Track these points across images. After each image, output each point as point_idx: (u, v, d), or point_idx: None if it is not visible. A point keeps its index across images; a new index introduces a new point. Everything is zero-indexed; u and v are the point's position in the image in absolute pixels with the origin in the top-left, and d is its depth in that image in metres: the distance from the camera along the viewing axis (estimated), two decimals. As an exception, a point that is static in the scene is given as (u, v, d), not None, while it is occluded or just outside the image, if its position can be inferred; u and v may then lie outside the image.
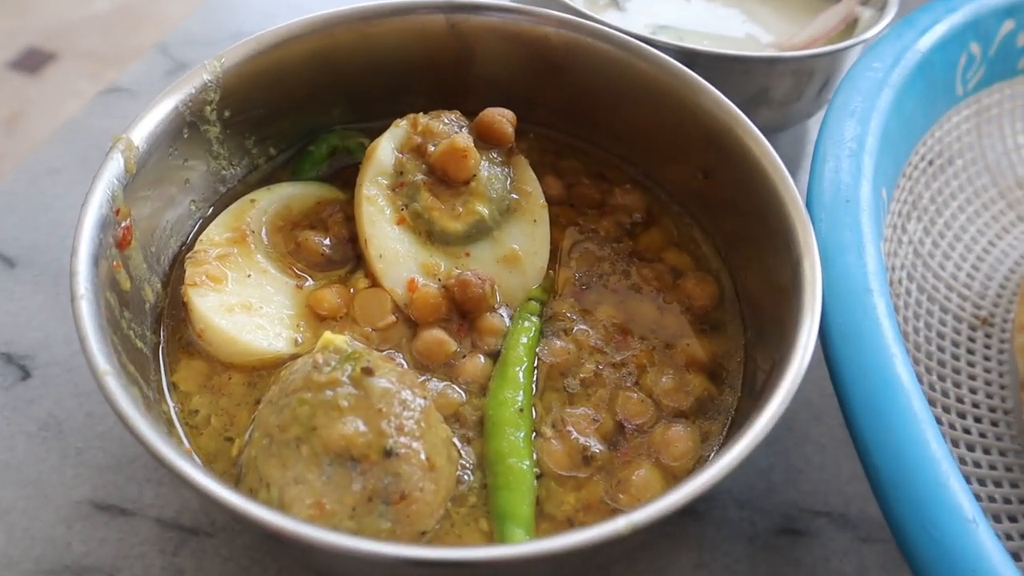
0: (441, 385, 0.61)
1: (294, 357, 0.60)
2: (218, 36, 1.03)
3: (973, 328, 0.78)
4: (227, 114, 0.67)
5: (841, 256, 0.57)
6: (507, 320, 0.65)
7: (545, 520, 0.56)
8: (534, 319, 0.65)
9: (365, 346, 0.60)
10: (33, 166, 0.85)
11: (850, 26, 0.93)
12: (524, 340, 0.63)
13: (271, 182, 0.72)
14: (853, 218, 0.59)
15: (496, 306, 0.65)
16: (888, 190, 0.71)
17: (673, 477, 0.58)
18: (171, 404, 0.60)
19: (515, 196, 0.69)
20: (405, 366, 0.62)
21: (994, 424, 0.72)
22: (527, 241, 0.68)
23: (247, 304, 0.62)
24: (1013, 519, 0.65)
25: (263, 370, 0.61)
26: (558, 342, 0.64)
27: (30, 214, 0.81)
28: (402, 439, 0.51)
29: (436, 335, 0.63)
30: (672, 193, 0.74)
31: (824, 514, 0.66)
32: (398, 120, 0.69)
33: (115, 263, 0.56)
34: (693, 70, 0.68)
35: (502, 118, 0.69)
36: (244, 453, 0.54)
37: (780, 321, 0.56)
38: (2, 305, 0.74)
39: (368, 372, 0.52)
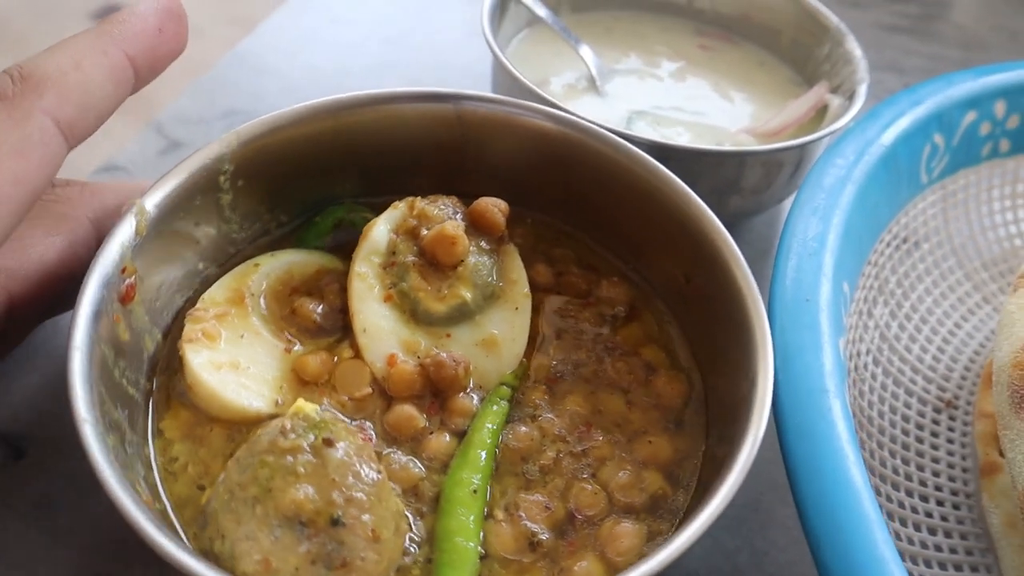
0: (405, 459, 0.64)
1: (272, 417, 0.63)
2: (211, 115, 1.07)
3: (937, 411, 0.81)
4: (240, 183, 0.71)
5: (800, 356, 0.59)
6: (477, 402, 0.68)
7: None
8: (503, 403, 0.67)
9: (336, 415, 0.64)
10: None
11: (820, 112, 0.97)
12: (490, 424, 0.66)
13: (280, 246, 0.76)
14: (812, 317, 0.62)
15: (468, 388, 0.68)
16: (851, 282, 0.74)
17: (615, 571, 0.59)
18: (151, 450, 0.63)
19: (500, 284, 0.72)
20: (374, 437, 0.65)
21: (955, 507, 0.74)
22: (507, 328, 0.71)
23: (235, 363, 0.66)
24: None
25: (243, 425, 0.64)
26: (523, 428, 0.67)
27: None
28: (351, 510, 0.54)
29: (407, 411, 0.66)
30: (657, 288, 0.77)
31: (789, 598, 0.68)
32: (396, 202, 0.73)
33: (115, 316, 0.61)
34: (668, 162, 0.71)
35: (495, 208, 0.72)
36: (210, 503, 0.57)
37: (737, 420, 0.58)
38: (-3, 383, 0.76)
39: (328, 443, 0.55)
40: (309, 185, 0.76)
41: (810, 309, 0.63)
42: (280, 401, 0.66)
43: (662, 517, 0.63)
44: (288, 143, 0.72)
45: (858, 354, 0.78)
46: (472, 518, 0.60)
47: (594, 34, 1.06)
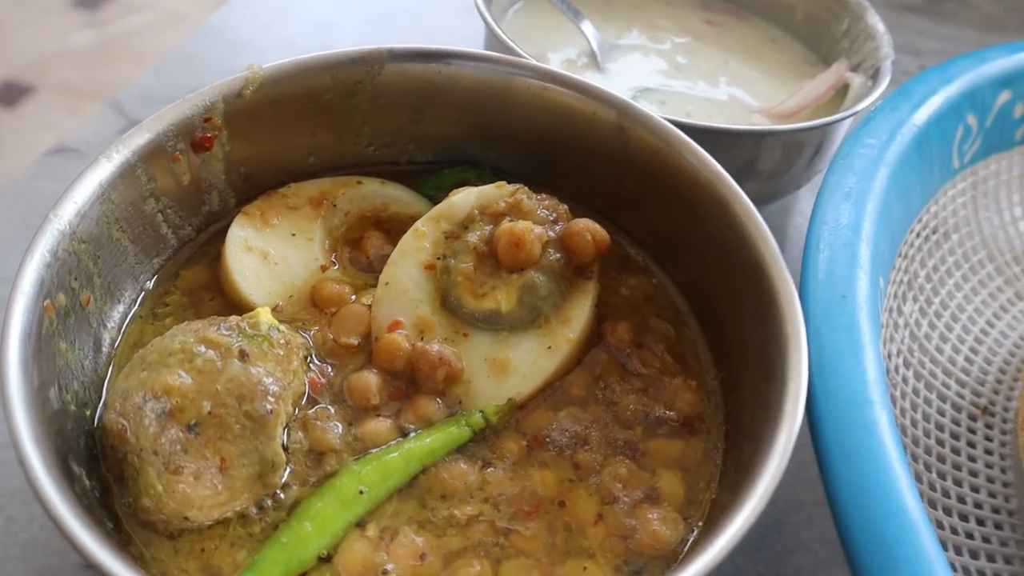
0: (333, 424, 0.58)
1: (272, 311, 0.62)
2: (177, 92, 0.97)
3: (973, 418, 0.74)
4: (380, 101, 0.70)
5: (838, 361, 0.52)
6: (444, 414, 0.60)
7: None
8: (466, 431, 0.59)
9: (302, 341, 0.61)
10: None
11: (840, 92, 0.89)
12: (435, 442, 0.58)
13: (394, 180, 0.72)
14: (850, 317, 0.55)
15: (441, 395, 0.61)
16: (884, 276, 0.66)
17: None
18: (149, 286, 0.65)
19: (550, 314, 0.63)
20: (324, 385, 0.60)
21: (998, 527, 0.67)
22: (527, 361, 0.62)
23: (265, 253, 0.66)
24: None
25: (240, 310, 0.63)
26: (464, 466, 0.58)
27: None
28: (212, 427, 0.52)
29: (368, 380, 0.60)
30: (680, 283, 0.70)
31: (817, 631, 0.61)
32: (503, 183, 0.66)
33: (177, 155, 0.62)
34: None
35: (587, 233, 0.63)
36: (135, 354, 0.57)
37: (761, 431, 0.51)
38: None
39: (242, 355, 0.54)
40: (460, 135, 0.73)
41: (847, 307, 0.55)
42: (280, 307, 0.64)
43: None
44: (444, 79, 0.69)
45: (888, 356, 0.70)
46: (341, 515, 0.54)
47: (593, 7, 0.98)
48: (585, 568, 0.54)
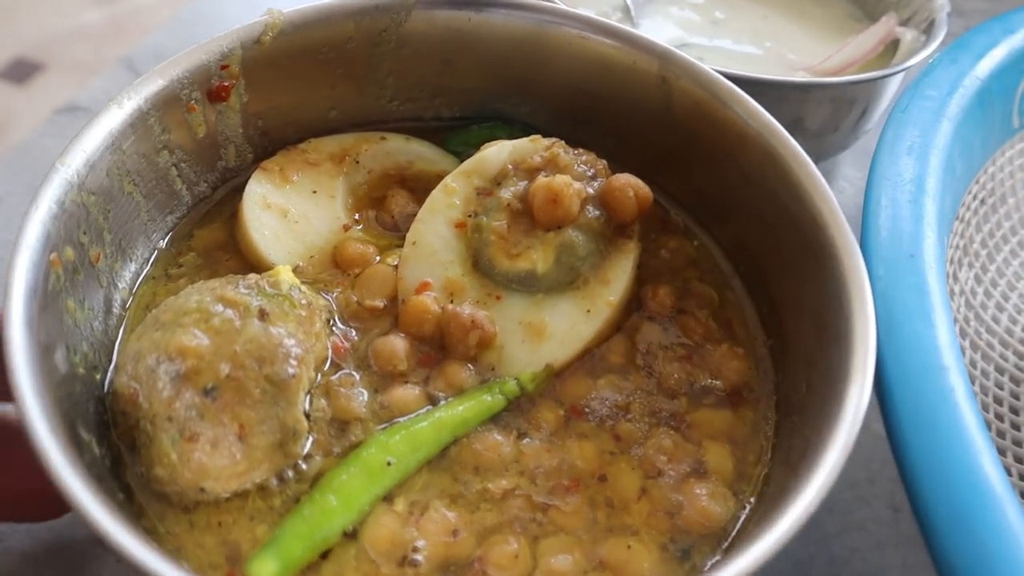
0: (359, 391, 0.55)
1: (293, 271, 0.58)
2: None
3: (1034, 393, 0.69)
4: (405, 51, 0.66)
5: (908, 324, 0.48)
6: (475, 380, 0.56)
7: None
8: (500, 399, 0.55)
9: (324, 303, 0.58)
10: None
11: (888, 49, 0.84)
12: (467, 411, 0.54)
13: (424, 137, 0.69)
14: (918, 277, 0.50)
15: (474, 360, 0.57)
16: (947, 237, 0.62)
17: None
18: (162, 245, 0.62)
19: (588, 276, 0.59)
20: (348, 350, 0.56)
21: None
22: (564, 325, 0.58)
23: (285, 211, 0.63)
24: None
25: (258, 269, 0.59)
26: (499, 437, 0.54)
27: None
28: (230, 391, 0.48)
29: (395, 345, 0.56)
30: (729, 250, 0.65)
31: (873, 617, 0.57)
32: (537, 136, 0.62)
33: (191, 105, 0.59)
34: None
35: (629, 190, 0.59)
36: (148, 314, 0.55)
37: (822, 407, 0.47)
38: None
39: (262, 315, 0.50)
40: (485, 88, 0.69)
41: (915, 266, 0.51)
42: (301, 267, 0.61)
43: None
44: (475, 28, 0.65)
45: (945, 325, 0.66)
46: (367, 488, 0.50)
47: (626, -41, 0.93)
48: (629, 546, 0.50)
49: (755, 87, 0.68)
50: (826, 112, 0.74)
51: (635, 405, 0.56)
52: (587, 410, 0.56)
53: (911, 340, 0.47)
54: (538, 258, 0.58)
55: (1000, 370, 0.69)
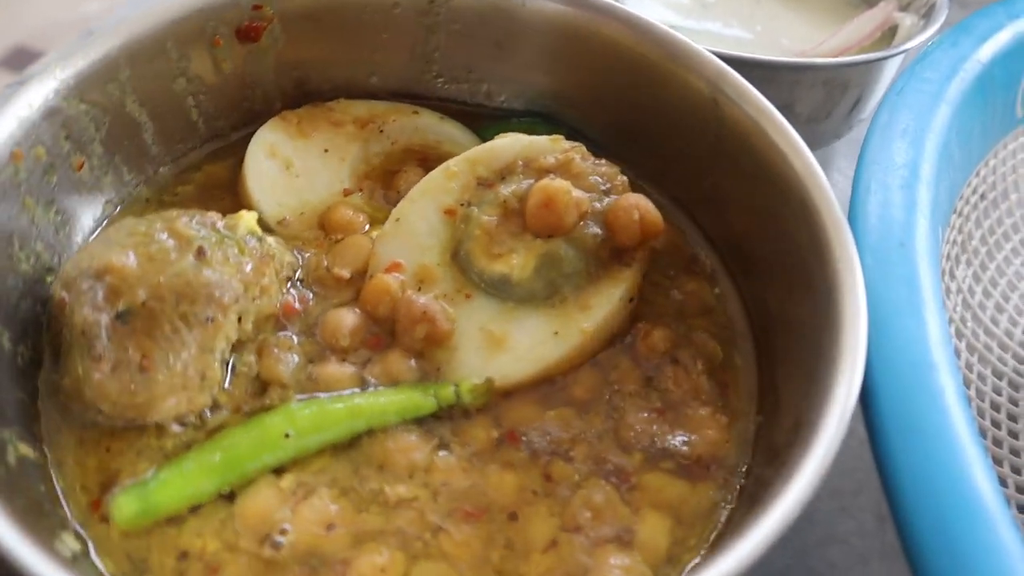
0: (290, 356, 0.52)
1: (265, 227, 0.58)
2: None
3: (1034, 400, 0.65)
4: (456, 26, 0.64)
5: (897, 318, 0.43)
6: (413, 375, 0.52)
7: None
8: (430, 401, 0.51)
9: (291, 258, 0.56)
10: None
11: (886, 35, 0.80)
12: (388, 405, 0.51)
13: (462, 121, 0.67)
14: (909, 268, 0.46)
15: (417, 354, 0.53)
16: (942, 229, 0.58)
17: None
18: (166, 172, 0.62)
19: (568, 295, 0.54)
20: (298, 309, 0.55)
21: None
22: (526, 342, 0.53)
23: (289, 163, 0.62)
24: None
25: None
26: (415, 440, 0.50)
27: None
28: (141, 319, 0.47)
29: (342, 317, 0.54)
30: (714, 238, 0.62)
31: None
32: (559, 136, 0.58)
33: (217, 39, 0.59)
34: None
35: (635, 212, 0.54)
36: None
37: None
38: None
39: (199, 253, 0.49)
40: (534, 81, 0.66)
41: (906, 256, 0.47)
42: (287, 221, 0.59)
43: None
44: (528, 14, 0.62)
45: (941, 324, 0.61)
46: (258, 456, 0.48)
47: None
48: None
49: (743, 67, 0.63)
50: (818, 97, 0.70)
51: (580, 448, 0.51)
52: (524, 439, 0.51)
53: (899, 336, 0.43)
54: (517, 264, 0.53)
55: (998, 374, 0.65)
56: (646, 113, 0.62)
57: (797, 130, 0.68)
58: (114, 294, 0.47)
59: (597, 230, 0.54)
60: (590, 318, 0.53)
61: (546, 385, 0.53)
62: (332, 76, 0.65)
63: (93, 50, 0.54)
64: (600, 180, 0.56)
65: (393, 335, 0.53)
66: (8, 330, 0.49)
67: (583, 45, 0.62)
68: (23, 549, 0.37)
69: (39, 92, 0.51)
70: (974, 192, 0.70)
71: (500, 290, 0.54)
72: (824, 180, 0.51)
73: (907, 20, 0.78)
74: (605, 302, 0.54)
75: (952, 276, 0.66)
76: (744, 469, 0.51)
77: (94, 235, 0.57)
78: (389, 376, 0.52)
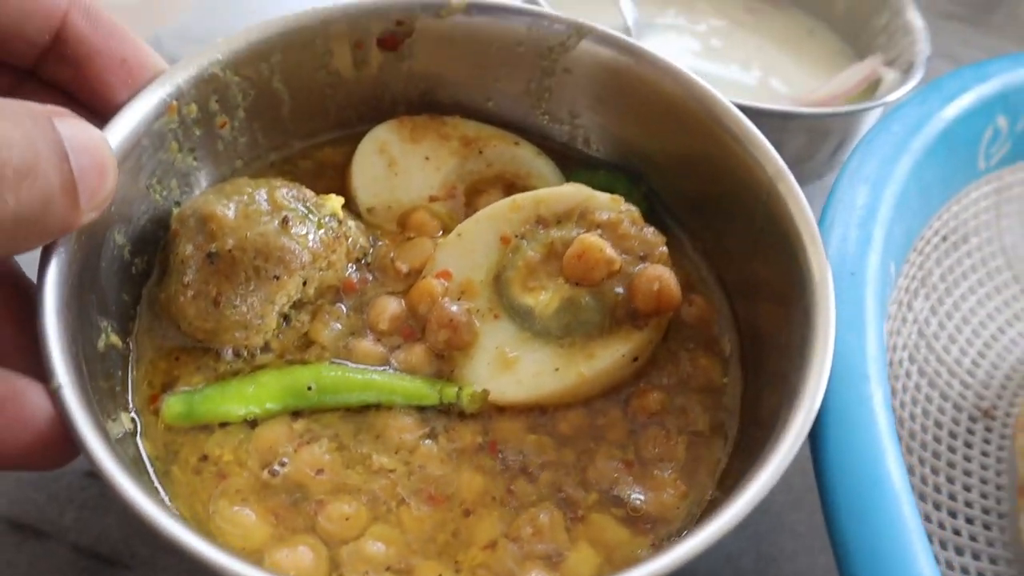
0: (331, 327, 0.61)
1: (354, 211, 0.66)
2: (219, 33, 0.98)
3: (973, 419, 0.73)
4: (569, 77, 0.69)
5: (840, 332, 0.52)
6: (429, 370, 0.60)
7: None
8: (433, 394, 0.58)
9: (364, 242, 0.64)
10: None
11: (871, 87, 0.89)
12: (398, 387, 0.58)
13: (556, 160, 0.71)
14: (856, 293, 0.55)
15: (437, 353, 0.60)
16: (897, 264, 0.66)
17: None
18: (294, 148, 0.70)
19: (578, 343, 0.59)
20: (355, 284, 0.63)
21: (986, 527, 0.66)
22: (531, 371, 0.59)
23: (393, 161, 0.68)
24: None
25: (345, 195, 0.65)
26: (410, 423, 0.58)
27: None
28: (222, 263, 0.56)
29: (388, 305, 0.62)
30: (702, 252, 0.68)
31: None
32: (619, 198, 0.63)
33: (359, 41, 0.66)
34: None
35: (655, 283, 0.58)
36: None
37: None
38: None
39: (284, 223, 0.57)
40: (626, 138, 0.70)
41: (855, 284, 0.55)
42: (375, 211, 0.67)
43: None
44: (632, 77, 0.66)
45: (894, 348, 0.70)
46: (283, 398, 0.57)
47: (634, -17, 0.98)
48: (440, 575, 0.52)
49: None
50: (801, 141, 0.79)
51: (547, 474, 0.56)
52: (501, 452, 0.57)
53: (840, 347, 0.51)
54: (543, 300, 0.60)
55: (944, 396, 0.73)
56: (714, 190, 0.65)
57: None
58: (210, 237, 0.56)
59: (620, 290, 0.59)
60: (591, 366, 0.59)
61: (537, 412, 0.59)
62: (454, 94, 0.71)
63: (254, 35, 0.62)
64: (641, 246, 0.60)
65: (424, 332, 0.61)
66: (131, 244, 0.58)
67: (674, 118, 0.65)
68: (82, 423, 0.45)
69: (202, 62, 0.60)
70: (935, 233, 0.78)
71: (523, 319, 0.60)
72: (832, 300, 0.53)
73: (889, 75, 0.87)
74: (609, 355, 0.59)
75: (910, 307, 0.74)
76: (683, 535, 0.53)
77: (216, 184, 0.65)
78: (409, 365, 0.60)
